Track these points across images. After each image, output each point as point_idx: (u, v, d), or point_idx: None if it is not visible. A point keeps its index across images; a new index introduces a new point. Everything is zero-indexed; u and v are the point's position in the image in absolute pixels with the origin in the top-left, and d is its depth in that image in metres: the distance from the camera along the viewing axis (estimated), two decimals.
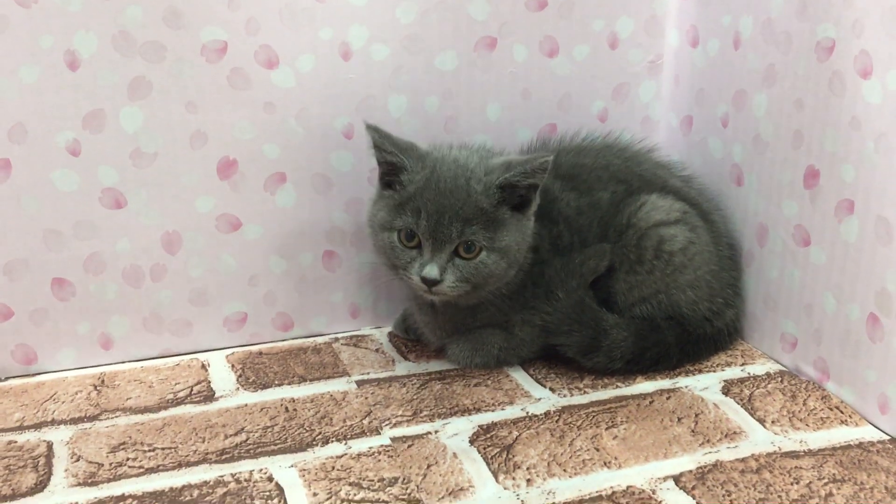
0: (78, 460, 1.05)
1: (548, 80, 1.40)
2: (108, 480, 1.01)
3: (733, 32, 1.29)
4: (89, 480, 1.01)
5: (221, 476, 1.02)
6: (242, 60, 1.24)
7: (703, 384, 1.21)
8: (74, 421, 1.14)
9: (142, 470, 1.03)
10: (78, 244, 1.25)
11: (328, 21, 1.27)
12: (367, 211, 1.24)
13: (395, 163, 1.16)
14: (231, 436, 1.10)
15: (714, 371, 1.25)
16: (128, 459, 1.05)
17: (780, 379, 1.23)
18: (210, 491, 0.99)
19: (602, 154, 1.30)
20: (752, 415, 1.13)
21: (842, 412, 1.13)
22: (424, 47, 1.32)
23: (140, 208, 1.26)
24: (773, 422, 1.12)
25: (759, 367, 1.26)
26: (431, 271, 1.13)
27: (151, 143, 1.24)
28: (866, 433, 1.09)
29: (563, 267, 1.22)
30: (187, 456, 1.06)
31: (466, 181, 1.13)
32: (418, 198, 1.13)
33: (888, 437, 1.08)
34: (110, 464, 1.04)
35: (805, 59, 1.16)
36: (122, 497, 0.98)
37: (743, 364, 1.27)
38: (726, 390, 1.20)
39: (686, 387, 1.21)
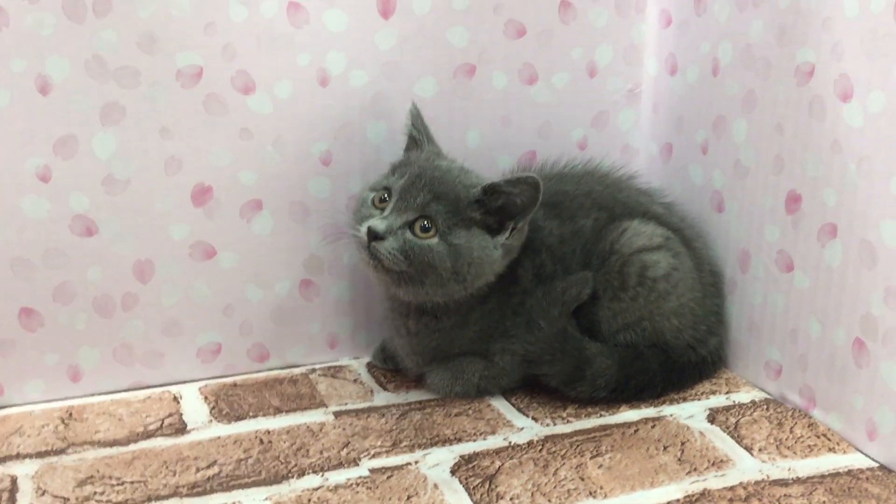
0: (43, 494, 1.01)
1: (527, 107, 1.39)
2: None
3: (712, 59, 1.29)
4: None
5: None
6: (218, 86, 1.23)
7: (689, 412, 1.19)
8: (40, 455, 1.10)
9: None
10: (47, 273, 1.21)
11: (306, 47, 1.25)
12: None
13: (414, 138, 1.23)
14: (203, 469, 1.07)
15: (699, 399, 1.23)
16: (95, 493, 1.01)
17: (765, 407, 1.21)
18: None
19: (583, 181, 1.29)
20: (738, 443, 1.11)
21: (829, 439, 1.12)
22: (403, 74, 1.31)
23: (112, 236, 1.23)
24: (760, 450, 1.09)
25: (744, 395, 1.24)
26: (380, 224, 1.12)
27: (124, 170, 1.21)
28: (855, 461, 1.07)
29: (545, 295, 1.20)
30: (157, 489, 1.02)
31: (458, 171, 1.17)
32: (410, 164, 1.17)
33: (877, 465, 1.06)
34: (76, 498, 1.00)
35: (785, 84, 1.16)
36: None
37: (728, 392, 1.25)
38: (712, 418, 1.17)
39: (671, 415, 1.19)
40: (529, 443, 1.12)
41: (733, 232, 1.29)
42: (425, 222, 1.12)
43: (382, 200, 1.16)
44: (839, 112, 1.08)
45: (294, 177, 1.30)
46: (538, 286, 1.20)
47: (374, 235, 1.11)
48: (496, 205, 1.13)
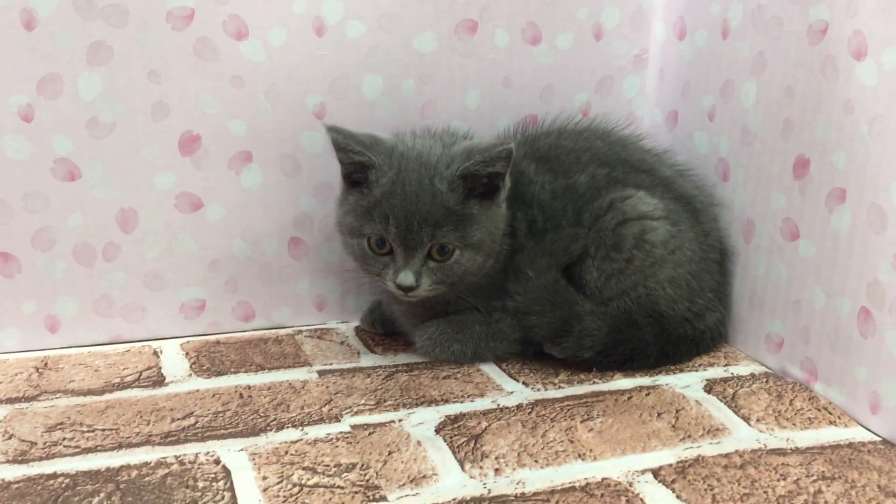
0: (10, 438, 0.97)
1: (530, 68, 1.35)
2: (41, 459, 0.93)
3: (721, 21, 1.25)
4: (20, 458, 0.93)
5: (164, 457, 0.94)
6: (210, 29, 1.19)
7: (685, 382, 1.15)
8: (10, 401, 1.06)
9: (78, 450, 0.95)
10: (26, 217, 1.17)
11: None
12: (335, 211, 1.18)
13: (363, 162, 1.10)
14: (178, 419, 1.02)
15: (696, 371, 1.19)
16: (64, 439, 0.97)
17: (765, 379, 1.16)
18: (150, 472, 0.91)
19: (583, 136, 1.24)
20: (735, 412, 1.07)
21: (830, 413, 1.07)
22: (402, 27, 1.27)
23: (95, 182, 1.19)
24: (758, 420, 1.05)
25: (742, 368, 1.20)
26: (406, 279, 1.08)
27: (110, 113, 1.17)
28: (857, 434, 1.02)
29: (533, 246, 1.16)
30: (129, 437, 0.98)
31: (430, 181, 1.09)
32: (385, 203, 1.08)
33: (879, 439, 1.02)
34: (44, 443, 0.96)
35: (796, 44, 1.11)
36: (54, 475, 0.90)
37: (726, 365, 1.21)
38: (709, 389, 1.13)
39: (666, 384, 1.14)
40: (518, 406, 1.08)
41: (738, 201, 1.25)
42: (440, 247, 1.09)
43: (381, 244, 1.10)
44: (852, 71, 1.03)
45: (286, 129, 1.26)
46: (530, 241, 1.16)
47: (407, 289, 1.09)
48: (482, 181, 1.10)
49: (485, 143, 1.12)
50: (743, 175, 1.23)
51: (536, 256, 1.15)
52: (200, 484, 0.89)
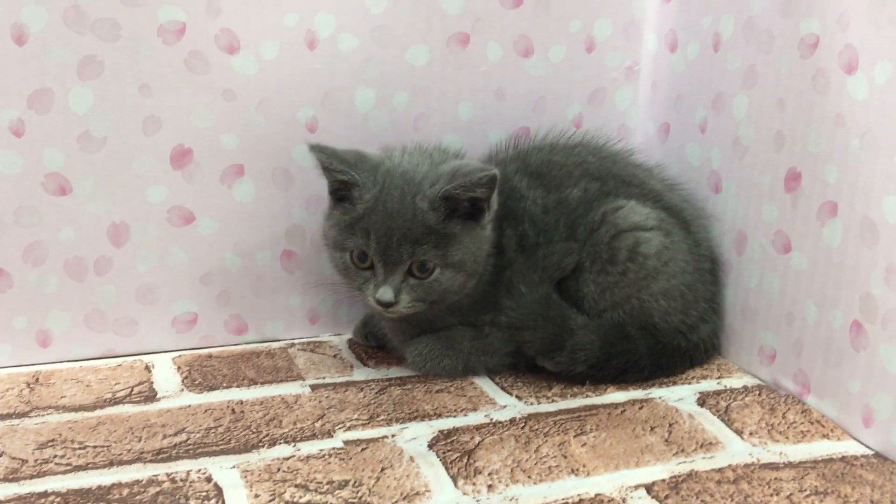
0: (1, 456, 0.96)
1: (522, 80, 1.35)
2: (32, 477, 0.92)
3: (713, 34, 1.25)
4: (10, 476, 0.92)
5: (155, 475, 0.93)
6: (202, 43, 1.18)
7: (678, 395, 1.15)
8: (1, 417, 1.06)
9: (69, 467, 0.94)
10: (18, 231, 1.17)
11: (294, 7, 1.21)
12: (322, 224, 1.18)
13: (346, 180, 1.11)
14: (170, 436, 1.02)
15: (689, 383, 1.19)
16: (55, 456, 0.97)
17: (758, 392, 1.16)
18: (142, 490, 0.90)
19: (576, 151, 1.24)
20: (728, 426, 1.07)
21: (823, 426, 1.07)
22: (395, 40, 1.27)
23: (86, 196, 1.18)
24: (751, 433, 1.05)
25: (736, 381, 1.20)
26: (385, 294, 1.09)
27: (101, 127, 1.17)
28: (849, 447, 1.03)
29: (525, 261, 1.16)
30: (120, 455, 0.98)
31: (412, 198, 1.09)
32: (367, 219, 1.09)
33: (872, 452, 1.02)
34: (35, 460, 0.96)
35: (788, 57, 1.12)
36: (45, 494, 0.89)
37: (719, 377, 1.21)
38: (702, 402, 1.13)
39: (660, 397, 1.14)
40: (512, 420, 1.07)
41: (730, 213, 1.25)
42: (420, 264, 1.09)
43: (363, 259, 1.11)
44: (843, 84, 1.03)
45: (278, 142, 1.26)
46: (520, 256, 1.16)
47: (386, 305, 1.09)
48: (464, 204, 1.09)
49: (469, 167, 1.11)
50: (735, 187, 1.23)
51: (529, 271, 1.15)
52: (192, 502, 0.88)
